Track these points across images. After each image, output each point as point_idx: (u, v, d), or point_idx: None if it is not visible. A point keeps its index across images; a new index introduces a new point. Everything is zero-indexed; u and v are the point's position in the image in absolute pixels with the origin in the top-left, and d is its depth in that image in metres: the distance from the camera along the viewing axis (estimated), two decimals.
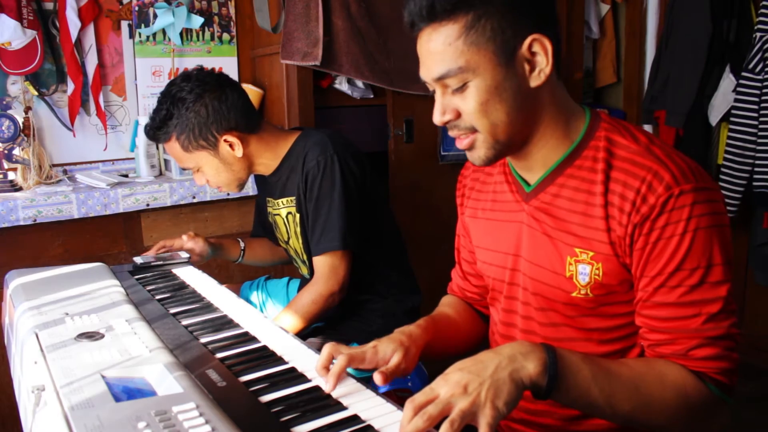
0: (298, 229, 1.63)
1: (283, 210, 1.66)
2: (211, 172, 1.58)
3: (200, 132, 1.51)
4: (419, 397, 0.78)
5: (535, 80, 0.91)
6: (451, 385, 0.77)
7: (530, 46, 0.89)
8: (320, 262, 1.54)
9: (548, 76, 0.91)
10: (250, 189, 2.28)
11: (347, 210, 1.52)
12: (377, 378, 0.92)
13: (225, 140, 1.53)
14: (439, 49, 0.89)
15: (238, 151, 1.55)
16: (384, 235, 1.66)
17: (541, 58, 0.90)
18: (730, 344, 0.87)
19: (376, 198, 1.65)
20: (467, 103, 0.91)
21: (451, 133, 0.96)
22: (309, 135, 1.60)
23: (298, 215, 1.61)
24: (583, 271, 0.93)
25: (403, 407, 0.78)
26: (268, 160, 1.62)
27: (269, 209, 1.73)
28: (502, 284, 1.07)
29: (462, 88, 0.90)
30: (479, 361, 0.80)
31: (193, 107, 1.50)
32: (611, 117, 0.98)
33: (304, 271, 1.72)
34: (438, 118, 0.94)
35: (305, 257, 1.66)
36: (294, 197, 1.61)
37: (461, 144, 0.96)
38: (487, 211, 1.09)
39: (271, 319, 1.31)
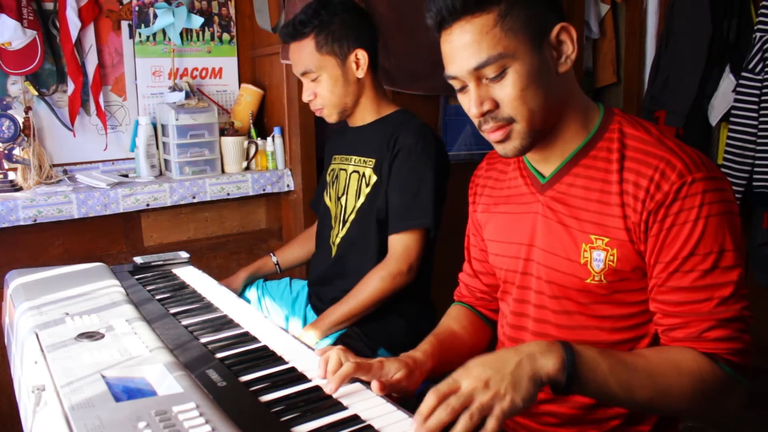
0: (367, 190, 1.63)
1: (351, 167, 1.67)
2: (329, 83, 1.59)
3: (338, 38, 1.57)
4: (443, 387, 0.80)
5: (563, 66, 0.95)
6: (473, 379, 0.80)
7: (558, 34, 0.94)
8: (397, 240, 1.55)
9: (573, 61, 0.95)
10: (251, 189, 2.28)
11: (438, 195, 1.55)
12: (375, 386, 0.92)
13: (356, 55, 1.58)
14: (476, 39, 0.90)
15: (361, 72, 1.59)
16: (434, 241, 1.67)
17: (567, 45, 0.94)
18: (741, 326, 0.90)
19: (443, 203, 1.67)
20: (506, 91, 0.92)
21: (485, 126, 0.96)
22: (411, 116, 1.65)
23: (373, 177, 1.62)
24: (598, 258, 0.96)
25: (426, 396, 0.80)
26: (367, 109, 1.65)
27: (333, 165, 1.75)
28: (515, 275, 1.09)
29: (500, 77, 0.91)
30: (500, 358, 0.83)
31: (341, 15, 1.57)
32: (623, 111, 1.02)
33: (336, 232, 1.70)
34: (477, 110, 0.93)
35: (351, 217, 1.66)
36: (374, 159, 1.62)
37: (495, 136, 0.96)
38: (501, 205, 1.12)
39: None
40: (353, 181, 1.66)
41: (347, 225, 1.67)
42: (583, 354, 0.85)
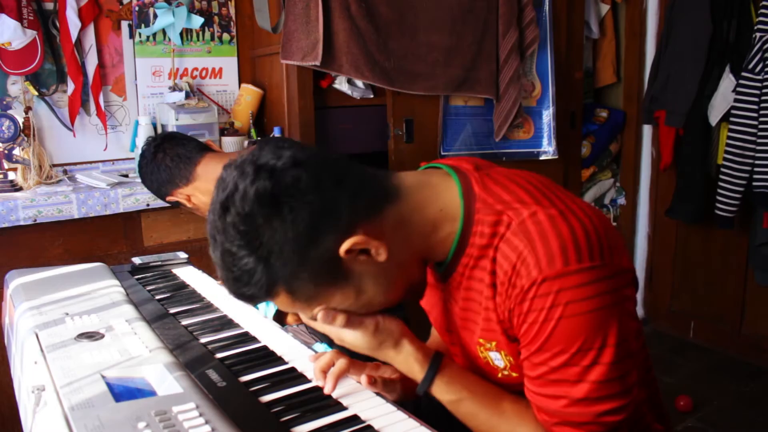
0: None
1: None
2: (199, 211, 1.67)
3: (162, 195, 1.64)
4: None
5: (378, 258, 0.81)
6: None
7: (349, 252, 0.78)
8: None
9: (387, 251, 0.80)
10: None
11: None
12: (364, 379, 0.93)
13: (176, 199, 1.62)
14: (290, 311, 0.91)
15: (187, 203, 1.63)
16: None
17: (369, 248, 0.79)
18: (600, 429, 0.81)
19: None
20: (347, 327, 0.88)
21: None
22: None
23: None
24: (496, 358, 0.90)
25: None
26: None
27: None
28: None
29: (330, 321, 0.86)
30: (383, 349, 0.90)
31: (150, 174, 1.63)
32: (486, 187, 0.87)
33: None
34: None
35: None
36: None
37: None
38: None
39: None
40: None
41: None
42: (451, 366, 0.91)
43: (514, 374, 0.89)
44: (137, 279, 1.46)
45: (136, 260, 1.57)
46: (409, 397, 1.00)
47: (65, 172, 2.16)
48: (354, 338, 0.89)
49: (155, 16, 2.26)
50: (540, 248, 0.78)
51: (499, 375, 0.91)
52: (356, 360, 0.96)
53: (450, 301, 0.95)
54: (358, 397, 0.91)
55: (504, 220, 0.83)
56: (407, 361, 0.90)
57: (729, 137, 2.52)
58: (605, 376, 0.78)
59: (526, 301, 0.79)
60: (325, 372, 0.94)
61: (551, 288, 0.77)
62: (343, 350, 0.99)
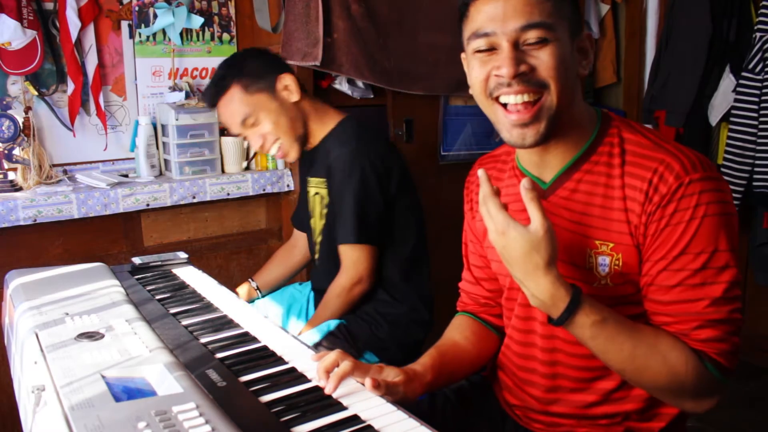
0: (324, 211, 1.66)
1: (313, 189, 1.70)
2: (269, 118, 1.59)
3: (260, 74, 1.59)
4: None
5: (582, 70, 0.99)
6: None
7: (584, 39, 0.98)
8: (343, 252, 1.59)
9: (587, 71, 1.00)
10: (251, 189, 2.28)
11: (363, 206, 1.55)
12: (368, 383, 0.92)
13: (282, 81, 1.59)
14: (531, 2, 0.91)
15: (294, 95, 1.60)
16: (403, 240, 1.66)
17: (588, 53, 0.99)
18: (731, 328, 0.90)
19: (405, 202, 1.65)
20: (544, 59, 0.92)
21: (515, 94, 0.93)
22: (348, 124, 1.64)
23: (327, 199, 1.65)
24: (603, 263, 0.96)
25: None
26: (316, 130, 1.66)
27: (307, 187, 1.78)
28: None
29: (541, 44, 0.91)
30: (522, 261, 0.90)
31: (251, 59, 1.64)
32: (618, 116, 1.03)
33: (315, 252, 1.77)
34: (512, 70, 0.91)
35: (318, 239, 1.71)
36: (325, 179, 1.65)
37: (521, 117, 0.93)
38: None
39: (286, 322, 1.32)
40: (317, 202, 1.70)
41: (317, 247, 1.73)
42: (588, 298, 0.91)
43: (611, 284, 0.97)
44: (137, 279, 1.46)
45: (136, 260, 1.57)
46: (410, 400, 1.00)
47: (65, 172, 2.16)
48: (518, 234, 0.89)
49: (155, 16, 2.25)
50: (682, 157, 0.92)
51: (595, 284, 0.98)
52: (361, 362, 0.96)
53: (554, 212, 1.00)
54: (358, 397, 0.91)
55: (633, 138, 0.97)
56: (554, 283, 0.89)
57: (729, 137, 2.52)
58: (733, 277, 0.90)
59: (672, 202, 0.90)
60: (328, 372, 0.94)
61: (696, 189, 0.89)
62: (348, 352, 1.00)
